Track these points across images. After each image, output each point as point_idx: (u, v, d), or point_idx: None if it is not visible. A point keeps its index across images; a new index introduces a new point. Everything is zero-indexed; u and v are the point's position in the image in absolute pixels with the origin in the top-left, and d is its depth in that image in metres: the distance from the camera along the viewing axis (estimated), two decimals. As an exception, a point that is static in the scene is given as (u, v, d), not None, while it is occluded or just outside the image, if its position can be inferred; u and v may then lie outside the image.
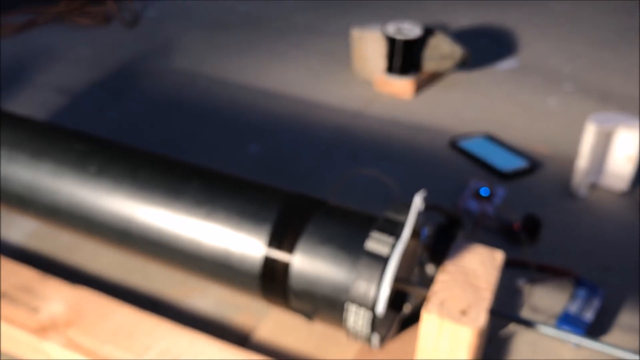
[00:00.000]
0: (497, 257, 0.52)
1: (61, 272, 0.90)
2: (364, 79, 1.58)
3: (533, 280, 0.91)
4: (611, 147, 1.10)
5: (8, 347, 0.76)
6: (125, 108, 1.44)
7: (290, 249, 0.52)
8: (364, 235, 0.50)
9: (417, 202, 0.51)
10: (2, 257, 0.85)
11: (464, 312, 0.47)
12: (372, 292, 0.48)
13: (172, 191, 0.57)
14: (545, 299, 0.89)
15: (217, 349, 0.71)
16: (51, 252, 0.97)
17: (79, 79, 1.58)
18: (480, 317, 0.47)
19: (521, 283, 0.91)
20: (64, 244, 0.98)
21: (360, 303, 0.49)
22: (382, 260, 0.48)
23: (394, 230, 0.50)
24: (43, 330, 0.73)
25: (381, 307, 0.48)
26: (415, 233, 0.54)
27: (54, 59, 1.69)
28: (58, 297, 0.78)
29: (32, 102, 1.45)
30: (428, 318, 0.48)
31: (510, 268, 0.92)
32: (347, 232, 0.51)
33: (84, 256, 0.96)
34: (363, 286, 0.48)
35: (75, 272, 0.93)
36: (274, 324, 0.83)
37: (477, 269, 0.51)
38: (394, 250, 0.49)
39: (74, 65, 1.66)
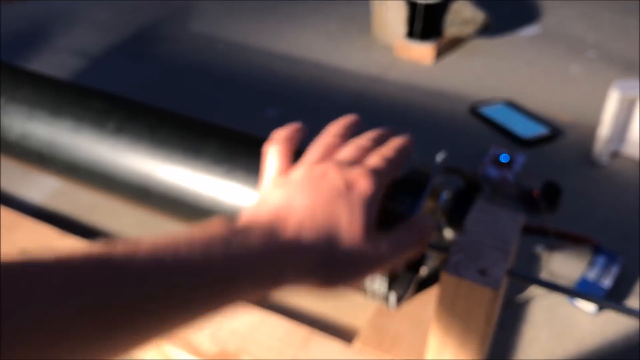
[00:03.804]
0: (518, 219, 0.52)
1: (80, 231, 0.91)
2: (383, 44, 1.57)
3: (552, 247, 0.90)
4: (634, 115, 1.08)
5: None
6: (143, 72, 1.44)
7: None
8: (384, 194, 0.50)
9: (438, 162, 0.50)
10: (23, 215, 0.86)
11: (482, 272, 0.47)
12: (390, 251, 0.48)
13: (191, 149, 0.57)
14: (563, 265, 0.89)
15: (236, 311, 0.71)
16: (71, 211, 0.98)
17: (97, 43, 1.58)
18: (499, 278, 0.46)
19: (540, 250, 0.90)
20: (83, 204, 0.99)
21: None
22: (401, 220, 0.48)
23: (413, 190, 0.50)
24: (63, 287, 0.74)
25: (400, 265, 0.48)
26: (435, 194, 0.53)
27: (73, 23, 1.69)
28: (78, 255, 0.79)
29: (50, 64, 1.45)
30: (446, 277, 0.48)
31: (530, 235, 0.91)
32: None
33: (103, 215, 0.97)
34: (381, 245, 0.48)
35: (94, 231, 0.94)
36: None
37: (496, 230, 0.51)
38: (412, 210, 0.48)
39: (92, 29, 1.66)
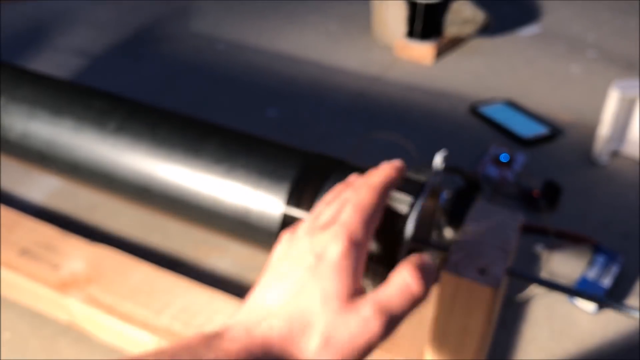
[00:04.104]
0: (517, 218, 0.52)
1: (81, 230, 0.91)
2: (384, 44, 1.57)
3: (552, 247, 0.90)
4: (634, 115, 1.08)
5: (30, 302, 0.78)
6: (144, 71, 1.44)
7: (308, 206, 0.52)
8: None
9: (437, 161, 0.50)
10: (24, 215, 0.86)
11: (482, 271, 0.47)
12: (390, 250, 0.48)
13: (192, 148, 0.57)
14: (563, 265, 0.89)
15: (235, 307, 0.72)
16: (71, 211, 0.98)
17: (98, 42, 1.58)
18: (498, 277, 0.46)
19: (540, 249, 0.91)
20: (84, 204, 0.99)
21: (378, 260, 0.49)
22: (401, 219, 0.48)
23: (413, 189, 0.50)
24: (64, 287, 0.75)
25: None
26: (434, 194, 0.53)
27: (74, 23, 1.69)
28: (78, 254, 0.79)
29: (51, 64, 1.45)
30: (446, 277, 0.48)
31: (529, 234, 0.91)
32: (366, 191, 0.51)
33: (103, 215, 0.97)
34: (381, 244, 0.48)
35: (95, 230, 0.94)
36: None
37: (496, 230, 0.51)
38: (412, 208, 0.48)
39: (93, 29, 1.66)
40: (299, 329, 0.35)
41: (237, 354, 0.34)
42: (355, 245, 0.38)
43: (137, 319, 0.71)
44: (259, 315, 0.36)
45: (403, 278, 0.38)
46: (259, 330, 0.35)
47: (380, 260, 0.49)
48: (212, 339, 0.34)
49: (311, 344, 0.35)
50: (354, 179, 0.47)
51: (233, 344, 0.34)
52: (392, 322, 0.37)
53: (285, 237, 0.42)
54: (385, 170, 0.44)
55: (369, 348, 0.36)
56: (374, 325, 0.36)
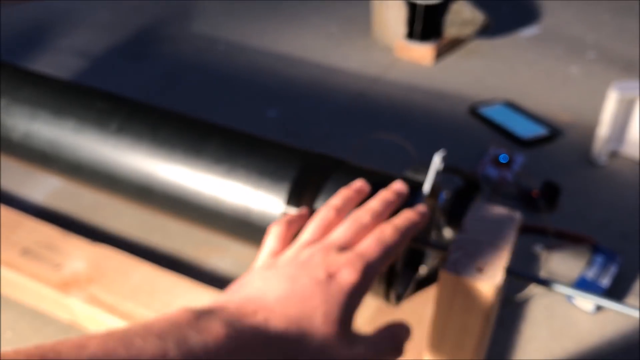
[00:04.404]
0: (515, 217, 0.52)
1: (82, 230, 0.92)
2: (384, 45, 1.57)
3: (550, 247, 0.91)
4: (633, 115, 1.08)
5: (33, 302, 0.78)
6: (145, 72, 1.45)
7: (309, 206, 0.52)
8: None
9: (436, 161, 0.51)
10: (25, 215, 0.87)
11: (480, 270, 0.47)
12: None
13: (192, 148, 0.57)
14: (562, 265, 0.89)
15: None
16: (72, 211, 0.99)
17: (99, 43, 1.58)
18: (497, 275, 0.47)
19: (539, 249, 0.91)
20: (85, 204, 0.99)
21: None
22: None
23: (412, 189, 0.50)
24: (66, 286, 0.75)
25: (399, 263, 0.48)
26: (434, 194, 0.54)
27: (75, 23, 1.69)
28: (80, 254, 0.80)
29: (52, 65, 1.46)
30: (445, 275, 0.48)
31: (528, 234, 0.92)
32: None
33: (105, 216, 0.97)
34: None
35: (96, 231, 0.95)
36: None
37: (495, 228, 0.51)
38: (412, 208, 0.49)
39: (94, 30, 1.66)
40: (294, 335, 0.35)
41: (227, 339, 0.33)
42: (368, 279, 0.39)
43: (138, 318, 0.71)
44: (256, 305, 0.36)
45: (394, 338, 0.42)
46: (254, 320, 0.35)
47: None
48: (201, 317, 0.34)
49: (305, 350, 0.35)
50: (360, 185, 0.48)
51: (224, 328, 0.33)
52: None
53: (296, 245, 0.42)
54: (414, 217, 0.44)
55: None
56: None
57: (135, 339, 0.31)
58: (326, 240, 0.41)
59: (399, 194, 0.47)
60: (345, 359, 0.37)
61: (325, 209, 0.44)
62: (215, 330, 0.33)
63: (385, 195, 0.46)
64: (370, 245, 0.40)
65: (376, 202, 0.45)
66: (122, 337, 0.31)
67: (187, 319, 0.33)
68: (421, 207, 0.46)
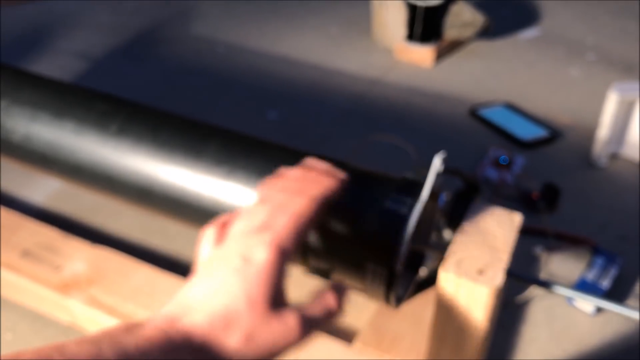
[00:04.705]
0: (515, 219, 0.52)
1: (83, 232, 0.92)
2: (383, 47, 1.57)
3: (551, 248, 0.91)
4: (633, 117, 1.08)
5: (33, 303, 0.78)
6: (144, 74, 1.45)
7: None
8: (383, 195, 0.50)
9: (436, 163, 0.51)
10: (25, 217, 0.87)
11: (481, 272, 0.47)
12: (390, 251, 0.48)
13: (193, 150, 0.57)
14: (562, 266, 0.89)
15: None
16: (72, 212, 0.99)
17: (99, 45, 1.58)
18: (497, 277, 0.47)
19: (539, 251, 0.91)
20: (85, 205, 0.99)
21: (378, 261, 0.49)
22: (401, 220, 0.49)
23: (412, 191, 0.50)
24: (66, 288, 0.75)
25: (399, 265, 0.48)
26: (434, 196, 0.54)
27: (75, 25, 1.70)
28: (80, 256, 0.80)
29: (53, 66, 1.46)
30: (445, 277, 0.48)
31: (529, 236, 0.92)
32: (366, 192, 0.52)
33: (105, 217, 0.97)
34: (381, 245, 0.49)
35: (96, 232, 0.95)
36: (292, 285, 0.84)
37: (494, 230, 0.51)
38: (412, 210, 0.49)
39: (94, 32, 1.66)
40: (221, 326, 0.37)
41: (158, 340, 0.35)
42: (282, 254, 0.39)
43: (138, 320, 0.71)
44: (182, 309, 0.38)
45: (327, 300, 0.42)
46: (181, 323, 0.37)
47: (380, 262, 0.49)
48: (133, 327, 0.36)
49: (232, 340, 0.37)
50: (312, 163, 0.49)
51: (154, 331, 0.35)
52: (309, 332, 0.40)
53: (223, 242, 0.42)
54: (329, 182, 0.45)
55: (285, 350, 0.39)
56: (296, 334, 0.39)
57: (70, 345, 0.32)
58: (238, 228, 0.42)
59: (312, 167, 0.48)
60: (279, 335, 0.38)
61: (261, 189, 0.46)
62: (146, 334, 0.35)
63: (295, 172, 0.47)
64: (283, 221, 0.41)
65: (289, 180, 0.46)
66: (57, 345, 0.32)
67: (119, 328, 0.35)
68: (341, 174, 0.47)
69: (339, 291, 0.44)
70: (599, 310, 0.82)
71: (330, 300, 0.43)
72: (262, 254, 0.39)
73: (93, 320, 0.74)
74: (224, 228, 0.44)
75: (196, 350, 0.36)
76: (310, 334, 0.40)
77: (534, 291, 0.84)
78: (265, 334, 0.38)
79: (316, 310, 0.41)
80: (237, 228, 0.42)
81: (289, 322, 0.39)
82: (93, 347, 0.33)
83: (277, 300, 0.39)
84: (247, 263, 0.39)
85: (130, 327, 0.35)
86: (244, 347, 0.37)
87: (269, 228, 0.40)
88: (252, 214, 0.43)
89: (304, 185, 0.45)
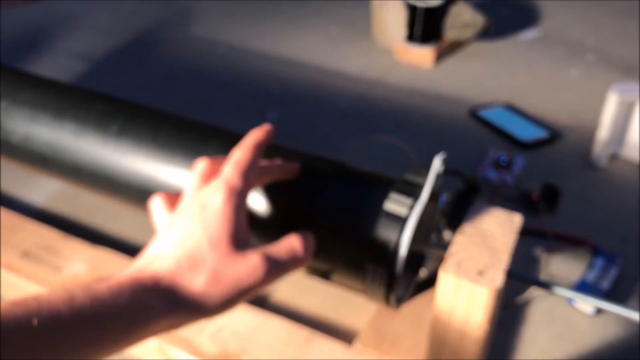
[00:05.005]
0: (515, 219, 0.52)
1: (82, 233, 0.92)
2: (383, 48, 1.57)
3: (551, 249, 0.91)
4: (633, 118, 1.08)
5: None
6: (144, 75, 1.45)
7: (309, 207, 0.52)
8: (383, 196, 0.50)
9: (436, 164, 0.51)
10: (25, 217, 0.87)
11: (481, 273, 0.47)
12: (390, 252, 0.48)
13: (192, 151, 0.57)
14: (562, 267, 0.89)
15: (237, 309, 0.72)
16: (72, 213, 0.99)
17: (99, 46, 1.58)
18: (497, 278, 0.47)
19: (539, 252, 0.91)
20: (85, 206, 0.99)
21: (378, 262, 0.49)
22: (401, 221, 0.49)
23: (412, 191, 0.50)
24: (65, 289, 0.75)
25: (399, 266, 0.48)
26: (434, 197, 0.54)
27: (75, 26, 1.70)
28: (80, 257, 0.80)
29: (53, 67, 1.46)
30: (445, 277, 0.48)
31: (529, 237, 0.92)
32: (366, 193, 0.52)
33: (105, 218, 0.97)
34: (381, 246, 0.49)
35: (96, 233, 0.94)
36: (292, 286, 0.84)
37: (494, 231, 0.51)
38: (412, 211, 0.49)
39: (94, 33, 1.66)
40: (187, 267, 0.40)
41: (128, 284, 0.38)
42: (234, 193, 0.42)
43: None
44: (150, 259, 0.41)
45: (291, 242, 0.44)
46: (149, 269, 0.40)
47: (380, 263, 0.49)
48: (105, 277, 0.38)
49: (199, 279, 0.40)
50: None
51: (125, 277, 0.38)
52: (275, 273, 0.42)
53: (162, 199, 0.47)
54: (256, 133, 0.48)
55: (251, 290, 0.41)
56: (260, 272, 0.41)
57: (44, 294, 0.35)
58: (189, 189, 0.45)
59: (263, 131, 0.49)
60: (244, 273, 0.40)
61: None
62: (117, 279, 0.38)
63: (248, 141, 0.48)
64: (228, 169, 0.44)
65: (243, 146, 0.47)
66: (33, 295, 0.35)
67: (92, 280, 0.38)
68: (266, 125, 0.49)
69: (305, 237, 0.45)
70: (599, 311, 0.82)
71: (295, 243, 0.44)
72: (216, 197, 0.42)
73: (93, 321, 0.73)
74: (171, 198, 0.47)
75: (164, 291, 0.39)
76: (276, 275, 0.42)
77: (534, 292, 0.84)
78: (230, 273, 0.40)
79: (280, 251, 0.43)
80: (188, 190, 0.45)
81: (253, 261, 0.41)
82: (66, 293, 0.35)
83: (239, 240, 0.41)
84: (204, 208, 0.42)
85: (102, 278, 0.38)
86: (210, 287, 0.40)
87: (219, 177, 0.43)
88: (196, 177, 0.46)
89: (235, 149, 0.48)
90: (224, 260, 0.40)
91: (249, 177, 0.44)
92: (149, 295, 0.38)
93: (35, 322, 0.33)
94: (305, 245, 0.45)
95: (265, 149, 0.49)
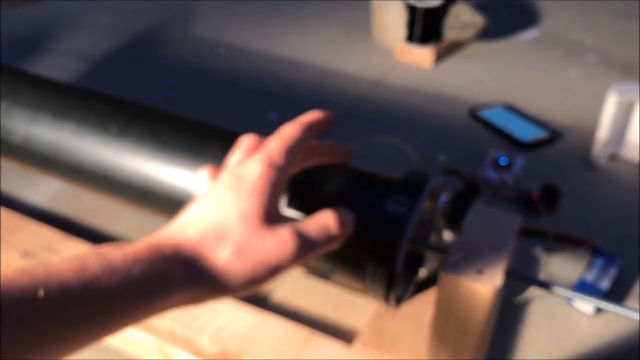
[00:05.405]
0: (515, 220, 0.53)
1: (83, 233, 0.92)
2: (383, 48, 1.57)
3: (550, 249, 0.91)
4: (632, 118, 1.08)
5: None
6: (145, 75, 1.45)
7: (309, 209, 0.52)
8: (383, 196, 0.50)
9: (437, 164, 0.51)
10: (25, 218, 0.87)
11: (480, 272, 0.47)
12: (390, 252, 0.48)
13: (193, 151, 0.57)
14: (562, 267, 0.89)
15: (236, 309, 0.72)
16: (73, 213, 0.99)
17: (99, 46, 1.58)
18: (497, 277, 0.47)
19: (538, 252, 0.91)
20: (85, 206, 1.00)
21: (378, 262, 0.49)
22: (400, 221, 0.49)
23: (412, 192, 0.51)
24: (66, 289, 0.75)
25: (398, 265, 0.48)
26: (433, 197, 0.54)
27: (75, 27, 1.70)
28: (80, 257, 0.80)
29: (53, 68, 1.46)
30: (445, 277, 0.48)
31: (528, 237, 0.92)
32: (366, 193, 0.52)
33: (105, 218, 0.97)
34: (381, 246, 0.49)
35: (96, 233, 0.95)
36: (292, 286, 0.84)
37: (494, 231, 0.51)
38: (411, 211, 0.49)
39: (94, 33, 1.66)
40: (212, 238, 0.37)
41: (147, 252, 0.35)
42: (274, 168, 0.40)
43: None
44: (175, 228, 0.38)
45: (324, 218, 0.41)
46: (174, 237, 0.37)
47: (380, 262, 0.49)
48: (124, 244, 0.36)
49: (224, 252, 0.37)
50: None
51: (144, 245, 0.36)
52: (305, 250, 0.39)
53: (207, 171, 0.44)
54: (315, 113, 0.47)
55: (279, 268, 0.38)
56: (289, 248, 0.38)
57: (54, 261, 0.33)
58: (232, 160, 0.44)
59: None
60: (272, 249, 0.38)
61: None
62: (135, 247, 0.36)
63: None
64: (273, 142, 0.42)
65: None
66: (43, 262, 0.33)
67: (109, 245, 0.35)
68: (329, 113, 0.48)
69: (341, 214, 0.42)
70: (599, 310, 0.82)
71: (330, 220, 0.41)
72: (253, 170, 0.40)
73: (93, 321, 0.74)
74: (217, 171, 0.45)
75: (185, 262, 0.36)
76: (306, 253, 0.39)
77: (533, 292, 0.84)
78: (257, 247, 0.37)
79: (313, 228, 0.40)
80: (231, 160, 0.44)
81: (283, 236, 0.38)
82: (78, 261, 0.33)
83: (271, 215, 0.39)
84: (239, 180, 0.39)
85: (121, 244, 0.36)
86: (235, 261, 0.37)
87: (265, 149, 0.41)
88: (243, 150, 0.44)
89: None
90: (252, 234, 0.38)
91: (293, 155, 0.42)
92: (168, 266, 0.35)
93: (41, 293, 0.31)
94: (341, 222, 0.42)
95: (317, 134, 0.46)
